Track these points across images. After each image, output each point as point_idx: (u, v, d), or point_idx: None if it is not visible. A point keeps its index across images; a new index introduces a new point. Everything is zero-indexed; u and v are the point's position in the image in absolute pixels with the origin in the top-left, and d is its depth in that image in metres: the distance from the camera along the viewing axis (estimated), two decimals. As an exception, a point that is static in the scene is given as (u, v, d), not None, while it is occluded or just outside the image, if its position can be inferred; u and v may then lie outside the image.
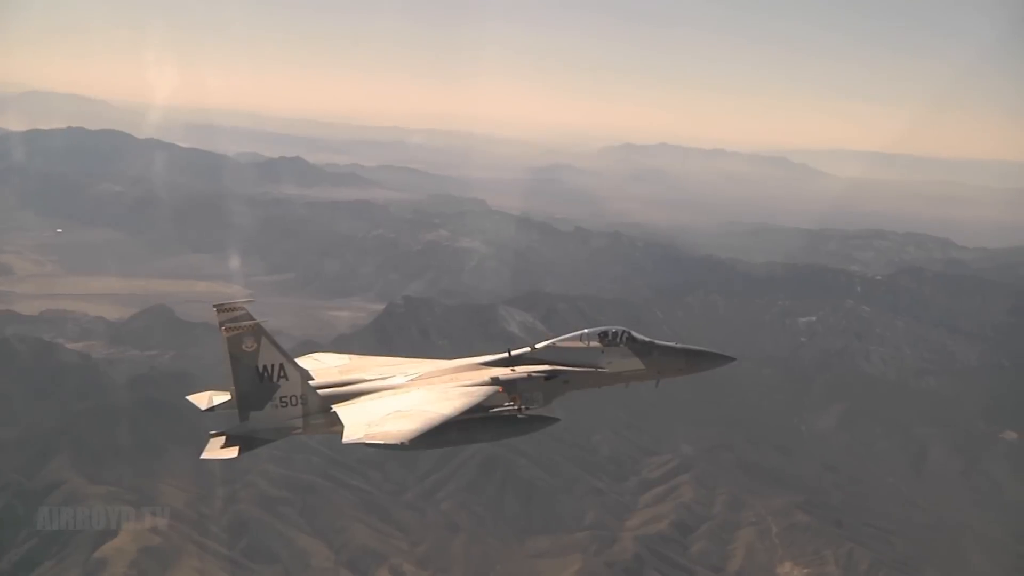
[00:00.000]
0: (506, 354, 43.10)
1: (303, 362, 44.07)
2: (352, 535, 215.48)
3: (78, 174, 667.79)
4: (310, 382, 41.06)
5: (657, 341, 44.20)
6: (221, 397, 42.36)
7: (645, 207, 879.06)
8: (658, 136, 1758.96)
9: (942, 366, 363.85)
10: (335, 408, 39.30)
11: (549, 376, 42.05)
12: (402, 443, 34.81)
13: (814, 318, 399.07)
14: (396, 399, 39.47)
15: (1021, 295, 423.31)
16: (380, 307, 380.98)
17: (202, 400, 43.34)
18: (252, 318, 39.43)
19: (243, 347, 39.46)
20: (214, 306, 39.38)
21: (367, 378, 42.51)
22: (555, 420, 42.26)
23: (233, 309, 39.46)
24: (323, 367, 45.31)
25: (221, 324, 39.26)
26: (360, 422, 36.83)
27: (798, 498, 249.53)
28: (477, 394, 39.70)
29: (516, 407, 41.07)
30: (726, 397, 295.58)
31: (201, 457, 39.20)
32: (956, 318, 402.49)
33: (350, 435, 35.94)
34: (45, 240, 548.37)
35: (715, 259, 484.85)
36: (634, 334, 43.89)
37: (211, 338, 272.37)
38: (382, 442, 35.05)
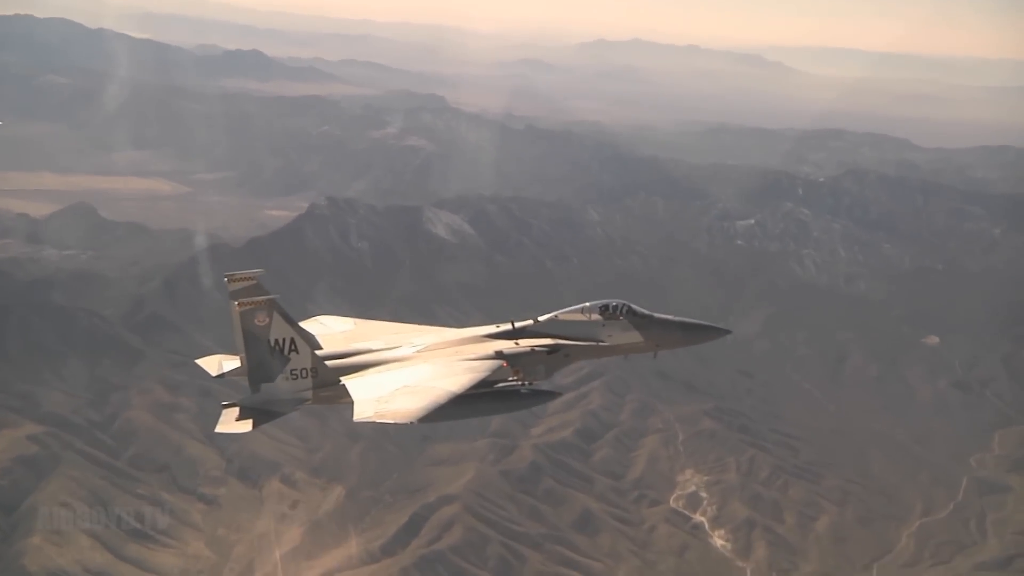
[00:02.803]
0: (509, 326, 43.67)
1: (308, 325, 45.21)
2: (246, 443, 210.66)
3: (22, 64, 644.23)
4: (318, 351, 41.33)
5: (656, 315, 44.38)
6: (230, 362, 42.82)
7: (609, 106, 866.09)
8: (632, 33, 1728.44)
9: (874, 270, 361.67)
10: (344, 381, 39.95)
11: (552, 350, 42.91)
12: (411, 422, 35.85)
13: (752, 221, 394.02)
14: (403, 372, 40.23)
15: (964, 197, 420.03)
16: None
17: (212, 365, 43.89)
18: (264, 290, 39.50)
19: (255, 321, 39.53)
20: (225, 276, 39.49)
21: (373, 348, 43.07)
22: (557, 395, 43.93)
23: (245, 279, 39.51)
24: (329, 332, 46.11)
25: (233, 297, 39.20)
26: (369, 398, 37.52)
27: (708, 405, 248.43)
28: (482, 368, 40.48)
29: (520, 381, 41.99)
30: (651, 301, 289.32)
31: (216, 430, 39.61)
32: (895, 221, 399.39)
33: (361, 413, 36.61)
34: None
35: (660, 160, 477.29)
36: (634, 307, 44.07)
37: (134, 237, 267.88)
38: (392, 421, 35.84)
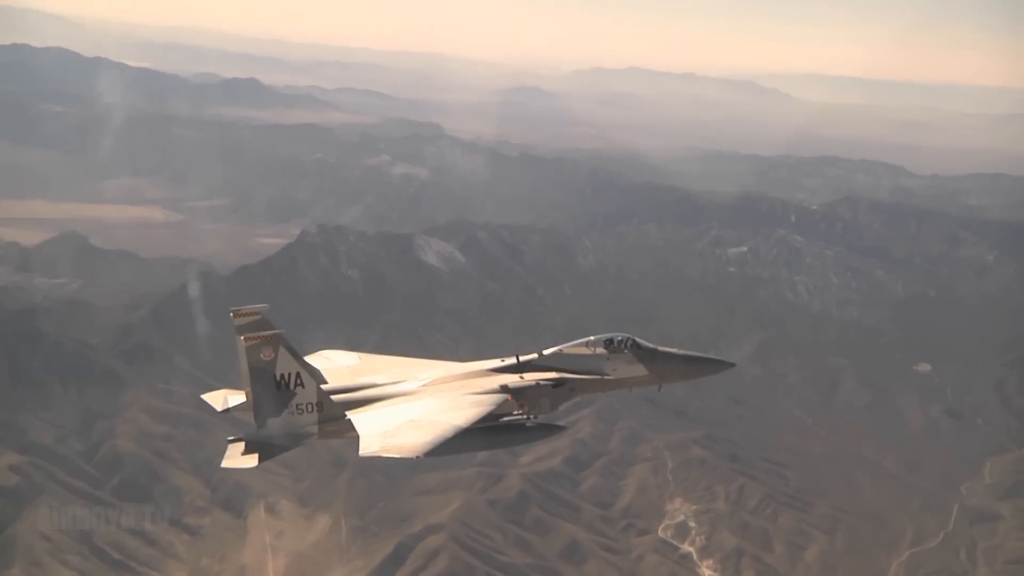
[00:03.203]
0: (514, 360, 43.81)
1: (313, 359, 44.74)
2: (231, 472, 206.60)
3: (19, 92, 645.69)
4: (323, 386, 41.64)
5: (660, 348, 44.43)
6: (236, 397, 42.51)
7: (606, 132, 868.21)
8: (629, 60, 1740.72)
9: (867, 296, 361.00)
10: (350, 415, 40.24)
11: (556, 384, 43.06)
12: (417, 456, 36.02)
13: (745, 248, 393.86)
14: (409, 407, 40.44)
15: (957, 224, 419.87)
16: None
17: (217, 400, 43.74)
18: (271, 325, 39.58)
19: (261, 356, 39.63)
20: (231, 311, 39.46)
21: (379, 382, 43.17)
22: (563, 429, 44.18)
23: (251, 314, 39.53)
24: (334, 367, 45.95)
25: (239, 331, 39.22)
26: (375, 433, 37.67)
27: (698, 432, 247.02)
28: (487, 403, 40.63)
29: (525, 415, 42.20)
30: (642, 328, 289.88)
31: (222, 465, 39.91)
32: (888, 248, 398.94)
33: (366, 448, 36.63)
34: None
35: (654, 186, 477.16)
36: (639, 341, 44.36)
37: (125, 265, 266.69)
38: (398, 455, 36.07)
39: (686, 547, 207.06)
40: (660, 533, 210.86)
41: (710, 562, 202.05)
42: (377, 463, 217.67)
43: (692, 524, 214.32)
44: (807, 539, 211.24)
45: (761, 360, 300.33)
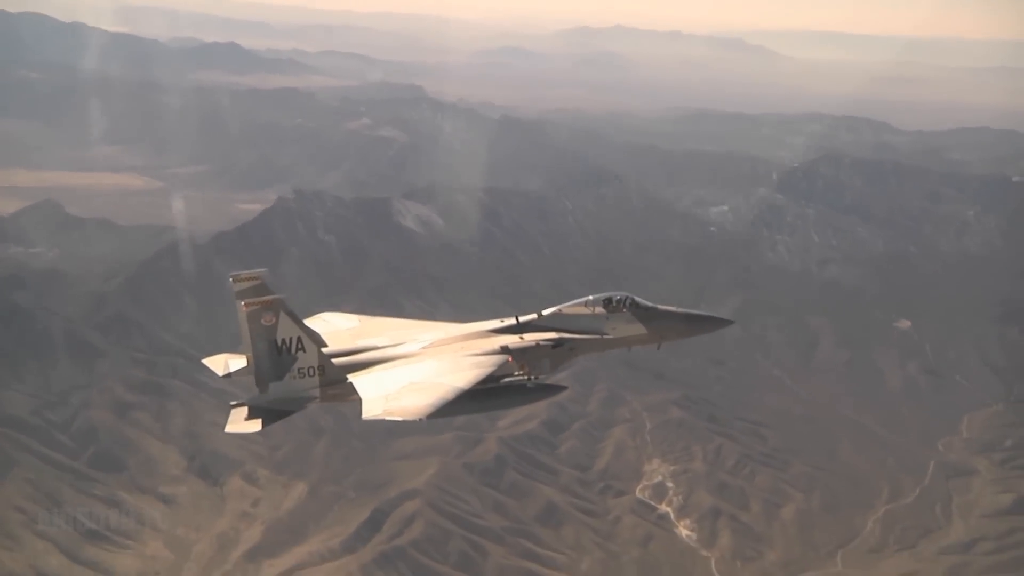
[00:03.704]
0: (514, 320, 43.91)
1: (312, 323, 44.80)
2: (207, 440, 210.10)
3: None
4: (324, 349, 41.59)
5: (659, 307, 44.78)
6: (237, 362, 42.81)
7: (590, 93, 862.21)
8: (614, 19, 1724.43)
9: (847, 254, 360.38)
10: (351, 378, 40.41)
11: (556, 344, 43.27)
12: (420, 419, 36.29)
13: (726, 208, 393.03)
14: (410, 369, 40.58)
15: (940, 180, 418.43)
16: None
17: (218, 365, 43.92)
18: (270, 290, 39.87)
19: (262, 321, 39.84)
20: (230, 276, 39.85)
21: (379, 344, 43.21)
22: (563, 389, 44.55)
23: (250, 279, 39.88)
24: (333, 330, 46.09)
25: (239, 297, 39.51)
26: (377, 396, 37.91)
27: (676, 393, 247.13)
28: (488, 364, 40.80)
29: (526, 376, 42.43)
30: (622, 290, 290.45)
31: (225, 431, 40.00)
32: (870, 205, 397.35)
33: (369, 412, 36.82)
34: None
35: (636, 146, 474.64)
36: (637, 300, 44.63)
37: (102, 234, 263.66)
38: (400, 418, 36.34)
39: (663, 507, 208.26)
40: (637, 494, 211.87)
41: (687, 522, 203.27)
42: (352, 428, 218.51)
43: (669, 485, 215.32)
44: (784, 498, 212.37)
45: (741, 320, 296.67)
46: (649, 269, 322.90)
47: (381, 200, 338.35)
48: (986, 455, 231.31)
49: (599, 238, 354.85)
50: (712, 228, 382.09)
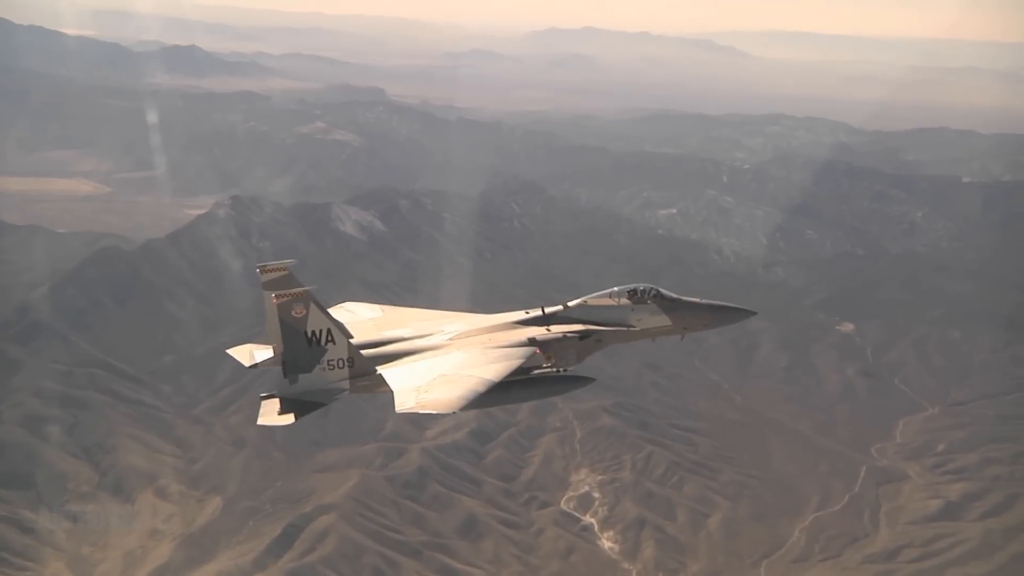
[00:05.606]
0: (540, 312, 44.00)
1: (335, 312, 44.29)
2: (122, 454, 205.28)
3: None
4: (351, 340, 41.39)
5: (684, 298, 44.79)
6: (262, 352, 42.46)
7: (556, 95, 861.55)
8: (584, 20, 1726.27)
9: (795, 257, 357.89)
10: (381, 370, 40.36)
11: (583, 336, 43.40)
12: (452, 412, 36.51)
13: (674, 210, 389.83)
14: (439, 361, 40.59)
15: (891, 181, 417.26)
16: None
17: (244, 355, 43.46)
18: (297, 281, 39.42)
19: (292, 312, 39.65)
20: (257, 267, 39.41)
21: (405, 335, 43.31)
22: (591, 380, 43.78)
23: (277, 270, 39.26)
24: (357, 320, 45.99)
25: (267, 288, 39.08)
26: (408, 388, 37.83)
27: (609, 401, 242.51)
28: (517, 356, 40.79)
29: (554, 367, 42.34)
30: (565, 297, 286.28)
31: (258, 423, 39.33)
32: (819, 207, 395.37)
33: (402, 404, 36.78)
34: None
35: (589, 148, 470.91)
36: (662, 291, 44.74)
37: (35, 241, 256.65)
38: (433, 411, 36.52)
39: (587, 519, 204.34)
40: (562, 505, 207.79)
41: (610, 533, 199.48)
42: (275, 440, 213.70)
43: (596, 495, 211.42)
44: (711, 507, 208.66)
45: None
46: (591, 273, 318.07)
47: (321, 205, 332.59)
48: (918, 460, 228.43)
49: (543, 241, 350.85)
50: (660, 231, 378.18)
